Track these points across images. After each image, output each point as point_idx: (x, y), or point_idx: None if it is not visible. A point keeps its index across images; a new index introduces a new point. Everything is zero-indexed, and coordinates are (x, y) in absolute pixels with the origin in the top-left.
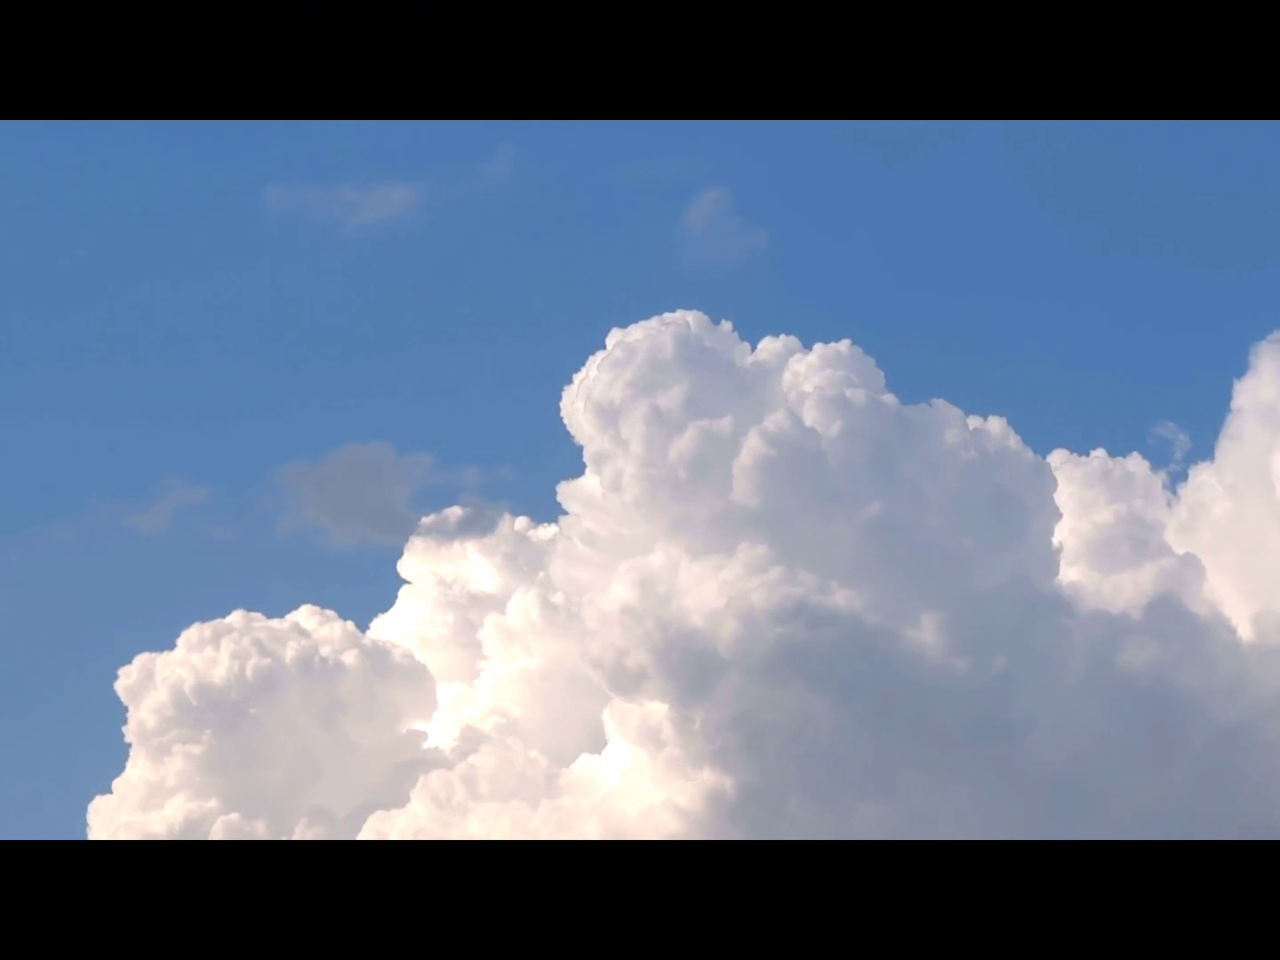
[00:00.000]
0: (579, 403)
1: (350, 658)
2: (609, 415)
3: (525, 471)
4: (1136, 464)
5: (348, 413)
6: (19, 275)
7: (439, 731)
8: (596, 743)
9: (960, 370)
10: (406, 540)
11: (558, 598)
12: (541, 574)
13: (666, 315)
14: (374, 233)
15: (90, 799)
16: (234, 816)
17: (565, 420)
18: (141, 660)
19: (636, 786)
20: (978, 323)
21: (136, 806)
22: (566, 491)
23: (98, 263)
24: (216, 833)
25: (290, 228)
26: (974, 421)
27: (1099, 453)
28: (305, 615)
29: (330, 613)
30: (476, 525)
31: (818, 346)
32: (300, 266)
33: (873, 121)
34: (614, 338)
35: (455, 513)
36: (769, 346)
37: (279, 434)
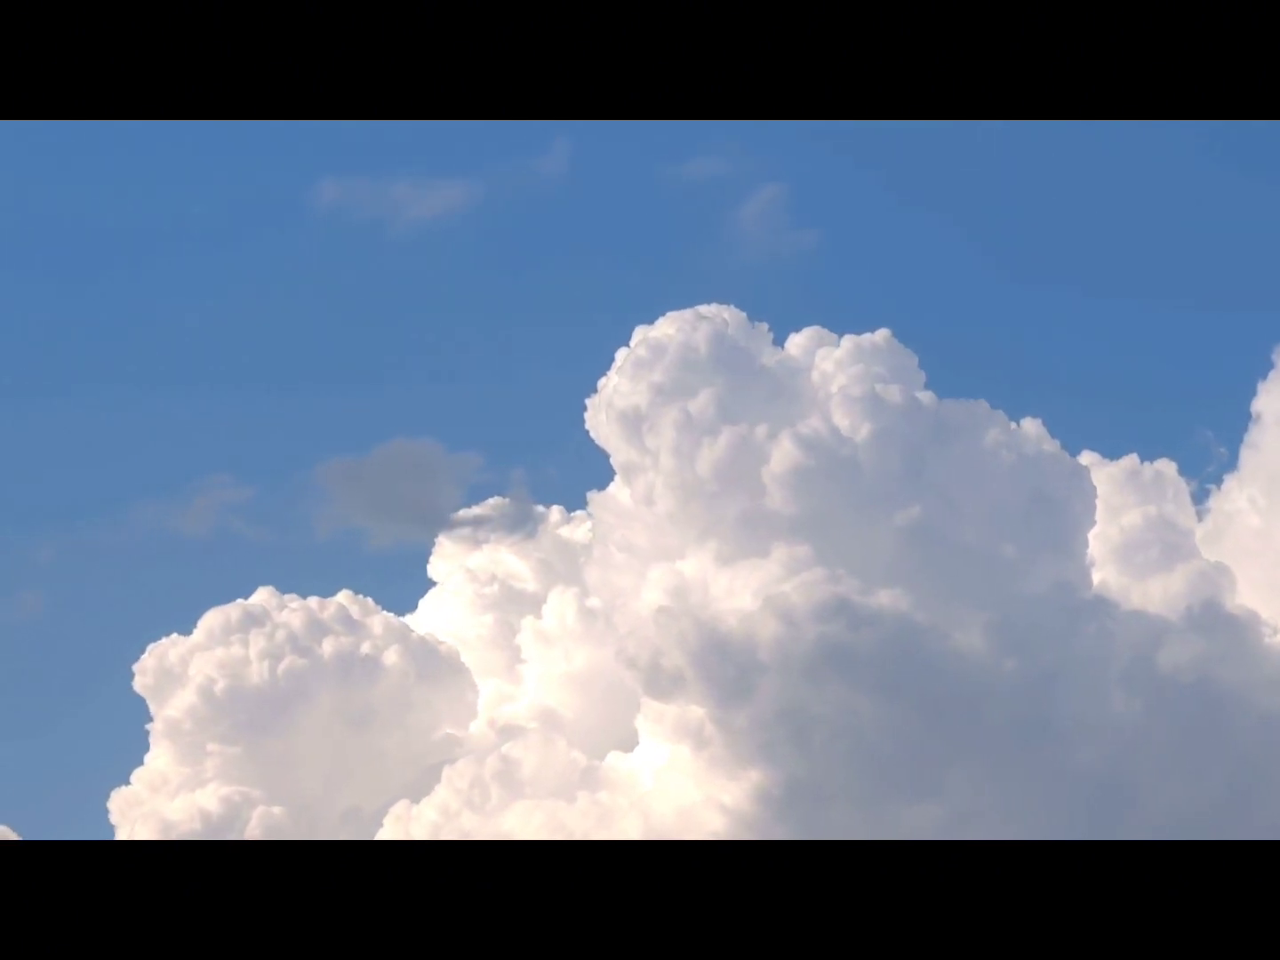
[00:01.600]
0: (602, 415)
1: (391, 656)
2: (634, 424)
3: (571, 471)
4: (1165, 467)
5: (395, 409)
6: (64, 272)
7: (476, 728)
8: (633, 743)
9: (994, 371)
10: (446, 538)
11: (593, 600)
12: (577, 575)
13: (699, 309)
14: (428, 228)
15: (115, 791)
16: (273, 810)
17: (591, 432)
18: (159, 648)
19: (675, 785)
20: (1014, 323)
21: (162, 799)
22: (599, 501)
23: (143, 259)
24: (244, 823)
25: (342, 222)
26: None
27: (1130, 457)
28: (347, 598)
29: (368, 600)
30: (515, 524)
31: (852, 338)
32: (351, 261)
33: (934, 121)
34: (638, 335)
35: (495, 510)
36: (804, 341)
37: (324, 429)
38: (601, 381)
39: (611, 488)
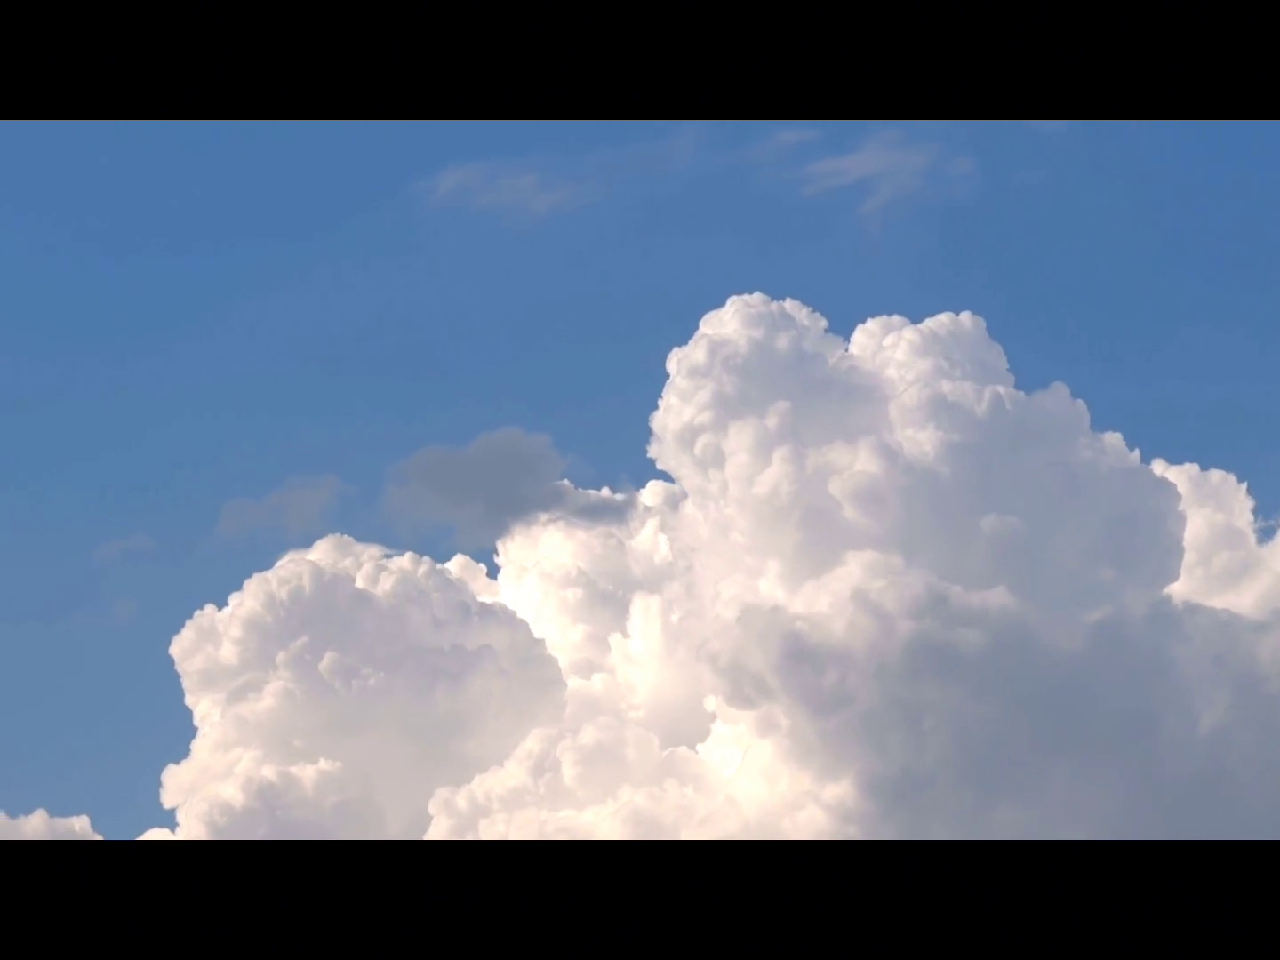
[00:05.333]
0: (668, 444)
1: (482, 645)
2: (702, 447)
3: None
4: (1226, 477)
5: (498, 403)
6: (162, 268)
7: (562, 721)
8: (720, 740)
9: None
10: (532, 532)
11: (676, 605)
12: (659, 581)
13: (777, 305)
14: (546, 222)
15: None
16: (341, 787)
17: (657, 462)
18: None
19: (763, 783)
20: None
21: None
22: (675, 515)
23: (240, 254)
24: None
25: (458, 215)
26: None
27: (1191, 465)
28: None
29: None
30: (606, 520)
31: (931, 329)
32: (465, 255)
33: (1063, 122)
34: (697, 333)
35: (585, 504)
36: (876, 334)
37: (420, 423)
38: (661, 400)
39: (687, 505)
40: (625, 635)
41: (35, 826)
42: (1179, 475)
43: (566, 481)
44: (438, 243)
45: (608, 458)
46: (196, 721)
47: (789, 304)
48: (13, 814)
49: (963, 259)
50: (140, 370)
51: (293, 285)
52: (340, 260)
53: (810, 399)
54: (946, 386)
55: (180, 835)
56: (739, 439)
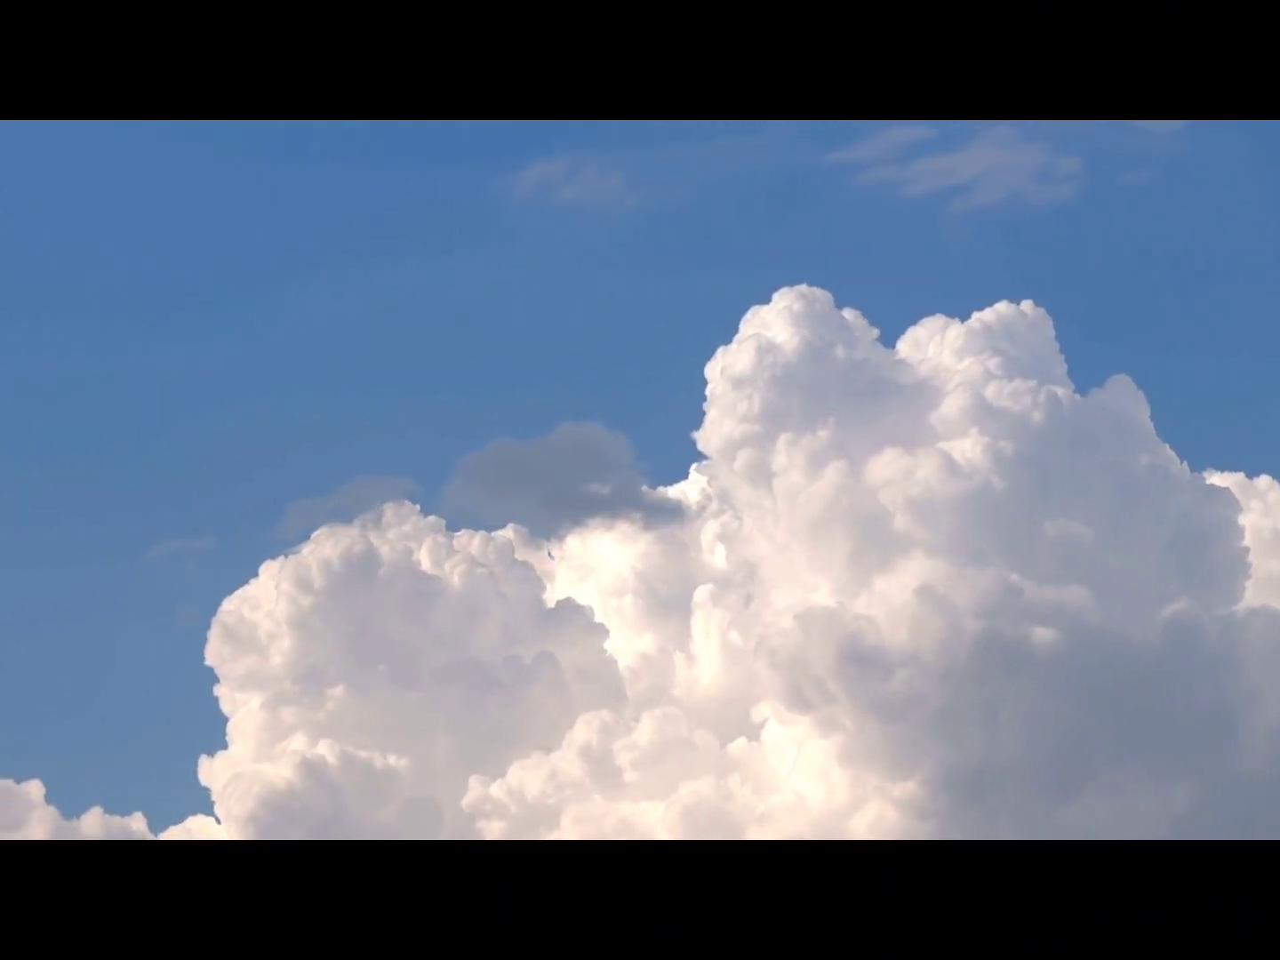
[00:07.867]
0: (718, 469)
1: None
2: (754, 467)
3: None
4: (1270, 484)
5: (570, 401)
6: (241, 275)
7: (625, 718)
8: (776, 744)
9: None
10: (590, 529)
11: (737, 602)
12: (722, 583)
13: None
14: (630, 218)
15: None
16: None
17: (708, 482)
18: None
19: (828, 783)
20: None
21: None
22: (732, 526)
23: (316, 259)
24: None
25: (541, 212)
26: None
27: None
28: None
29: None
30: (668, 524)
31: (984, 326)
32: (546, 251)
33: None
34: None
35: (647, 505)
36: (925, 338)
37: (491, 418)
38: (705, 419)
39: (744, 510)
40: (685, 639)
41: (90, 826)
42: (1227, 482)
43: (633, 481)
44: (519, 238)
45: (675, 460)
46: (239, 718)
47: (847, 313)
48: (68, 814)
49: (1044, 259)
50: (207, 362)
51: (370, 278)
52: (419, 254)
53: (862, 402)
54: (1001, 388)
55: (226, 831)
56: (789, 453)
